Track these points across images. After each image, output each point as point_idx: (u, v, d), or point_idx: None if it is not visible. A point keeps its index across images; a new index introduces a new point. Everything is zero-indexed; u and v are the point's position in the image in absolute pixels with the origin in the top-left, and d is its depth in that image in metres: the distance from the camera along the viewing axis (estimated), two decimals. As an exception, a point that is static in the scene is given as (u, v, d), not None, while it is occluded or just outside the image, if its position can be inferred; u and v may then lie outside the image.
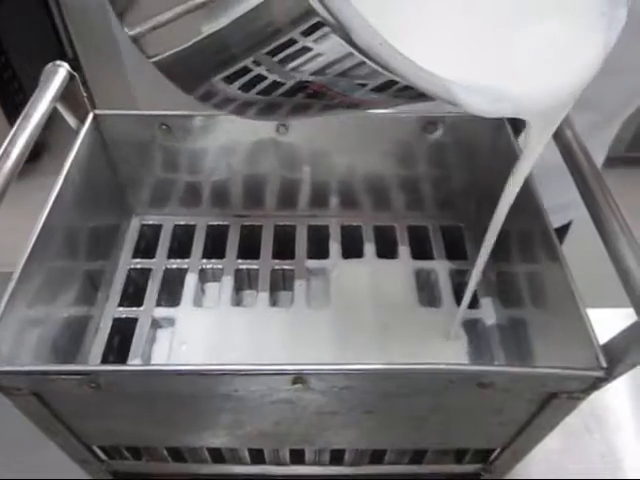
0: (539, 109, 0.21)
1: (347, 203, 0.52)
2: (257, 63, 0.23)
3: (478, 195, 0.50)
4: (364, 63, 0.18)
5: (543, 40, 0.20)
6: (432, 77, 0.18)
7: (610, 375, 0.30)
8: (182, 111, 0.46)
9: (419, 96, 0.20)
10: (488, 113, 0.20)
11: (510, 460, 0.41)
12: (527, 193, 0.40)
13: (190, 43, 0.24)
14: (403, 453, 0.41)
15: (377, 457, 0.41)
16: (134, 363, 0.42)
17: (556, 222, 0.38)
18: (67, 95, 0.42)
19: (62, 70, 0.41)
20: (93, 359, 0.42)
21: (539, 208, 0.39)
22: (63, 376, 0.30)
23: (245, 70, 0.24)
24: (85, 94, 0.44)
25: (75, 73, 0.42)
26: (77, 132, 0.44)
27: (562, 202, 0.46)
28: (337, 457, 0.42)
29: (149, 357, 0.44)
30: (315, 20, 0.18)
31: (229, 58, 0.23)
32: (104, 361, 0.43)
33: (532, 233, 0.40)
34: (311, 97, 0.25)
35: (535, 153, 0.29)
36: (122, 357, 0.43)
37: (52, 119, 0.43)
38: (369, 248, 0.50)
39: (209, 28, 0.22)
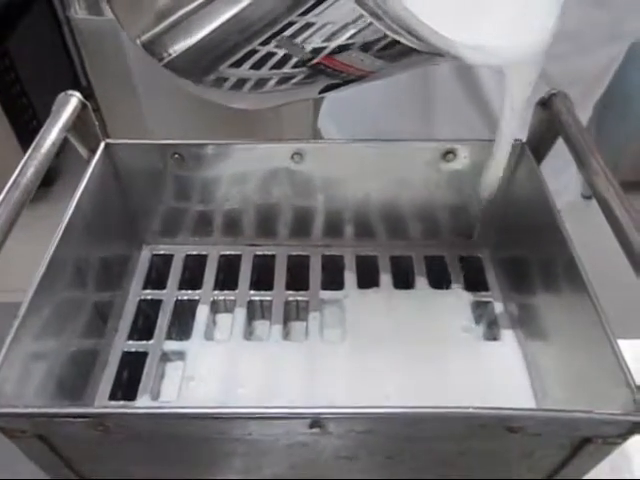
0: (516, 59, 0.29)
1: (362, 233, 0.51)
2: (267, 42, 0.26)
3: (498, 225, 0.49)
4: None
5: (513, 10, 0.27)
6: (444, 39, 0.24)
7: (649, 419, 0.28)
8: (194, 140, 0.45)
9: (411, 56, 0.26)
10: (482, 64, 0.28)
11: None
12: (551, 222, 0.38)
13: (199, 38, 0.26)
14: (424, 497, 0.39)
15: (397, 501, 0.39)
16: (143, 400, 0.40)
17: None
18: (79, 124, 0.41)
19: (74, 99, 0.40)
20: (101, 395, 0.41)
21: (564, 238, 0.37)
22: (69, 419, 0.28)
23: (256, 50, 0.26)
24: (97, 123, 0.43)
25: (87, 102, 0.41)
26: (88, 161, 0.43)
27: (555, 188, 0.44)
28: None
29: (158, 393, 0.42)
30: None
31: (238, 43, 0.26)
32: (112, 397, 0.41)
33: (556, 263, 0.39)
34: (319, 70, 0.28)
35: (517, 105, 0.34)
36: (131, 392, 0.42)
37: (66, 145, 0.42)
38: (385, 278, 0.49)
39: (220, 19, 0.25)
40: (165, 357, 0.44)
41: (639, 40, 0.49)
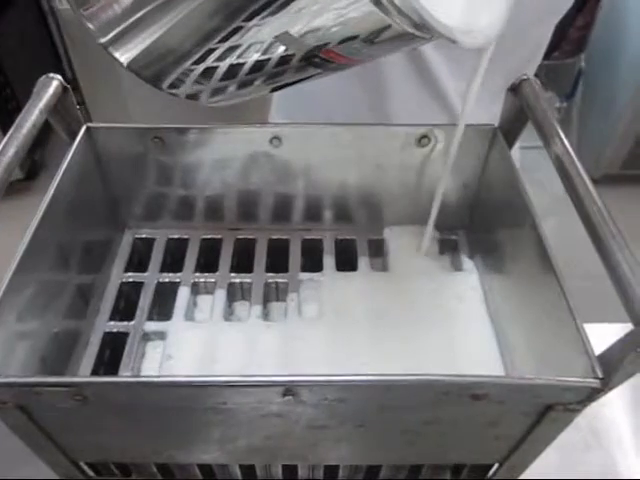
0: (493, 38, 0.32)
1: (341, 217, 0.52)
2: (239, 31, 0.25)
3: (472, 207, 0.50)
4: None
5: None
6: (444, 26, 0.26)
7: (606, 385, 0.29)
8: (175, 124, 0.46)
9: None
10: (471, 46, 0.29)
11: (508, 476, 0.40)
12: (521, 204, 0.40)
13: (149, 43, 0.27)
14: (398, 469, 0.40)
15: (372, 473, 0.41)
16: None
17: None
18: (60, 107, 0.42)
19: (55, 82, 0.41)
20: (82, 373, 0.42)
21: (533, 219, 0.39)
22: (49, 388, 0.29)
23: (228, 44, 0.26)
24: (78, 107, 0.44)
25: (68, 85, 0.42)
26: (70, 145, 0.44)
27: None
28: (331, 474, 0.41)
29: (139, 372, 0.43)
30: None
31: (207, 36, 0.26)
32: (94, 375, 0.42)
33: (526, 243, 0.40)
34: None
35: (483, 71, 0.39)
36: (112, 370, 0.43)
37: (49, 138, 0.42)
38: (363, 261, 0.50)
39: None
40: (146, 337, 0.45)
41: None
